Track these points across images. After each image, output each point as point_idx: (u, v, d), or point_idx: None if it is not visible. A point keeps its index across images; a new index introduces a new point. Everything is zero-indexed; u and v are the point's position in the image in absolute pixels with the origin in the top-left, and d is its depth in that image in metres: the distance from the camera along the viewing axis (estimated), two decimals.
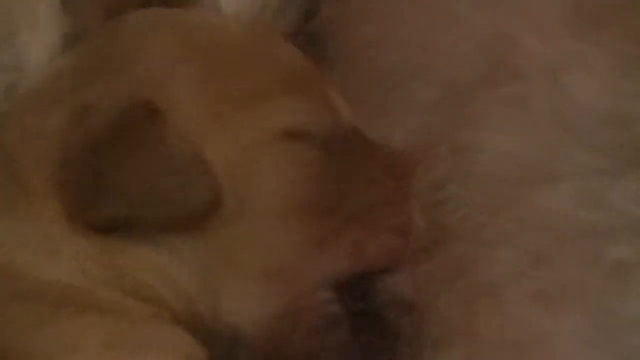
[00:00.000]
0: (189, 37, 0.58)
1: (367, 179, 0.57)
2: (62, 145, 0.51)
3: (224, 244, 0.52)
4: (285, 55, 0.59)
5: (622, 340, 0.50)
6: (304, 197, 0.54)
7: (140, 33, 0.58)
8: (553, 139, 0.55)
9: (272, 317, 0.52)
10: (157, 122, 0.51)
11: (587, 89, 0.55)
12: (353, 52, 0.66)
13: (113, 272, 0.51)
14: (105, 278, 0.51)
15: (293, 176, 0.54)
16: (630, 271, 0.50)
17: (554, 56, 0.57)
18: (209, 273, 0.52)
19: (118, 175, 0.50)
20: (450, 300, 0.53)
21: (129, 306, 0.51)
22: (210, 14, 0.64)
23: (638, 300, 0.50)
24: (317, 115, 0.56)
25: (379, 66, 0.63)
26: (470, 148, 0.56)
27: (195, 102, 0.53)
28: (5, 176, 0.54)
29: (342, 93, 0.60)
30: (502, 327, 0.51)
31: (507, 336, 0.51)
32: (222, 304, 0.52)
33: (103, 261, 0.51)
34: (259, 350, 0.52)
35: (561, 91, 0.56)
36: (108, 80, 0.54)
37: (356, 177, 0.57)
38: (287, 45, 0.61)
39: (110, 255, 0.51)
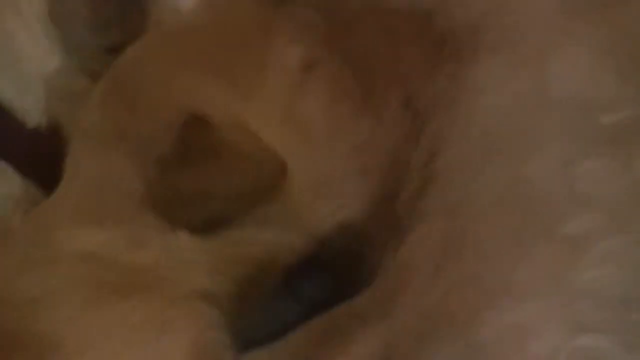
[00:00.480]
0: (190, 45, 0.63)
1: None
2: (143, 180, 0.58)
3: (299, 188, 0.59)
4: (257, 13, 0.64)
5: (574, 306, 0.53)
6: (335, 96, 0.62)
7: (149, 62, 0.63)
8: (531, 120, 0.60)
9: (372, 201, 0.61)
10: (208, 128, 0.56)
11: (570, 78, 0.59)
12: None
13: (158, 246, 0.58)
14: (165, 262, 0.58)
15: (325, 96, 0.61)
16: (581, 245, 0.55)
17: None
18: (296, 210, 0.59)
19: (197, 184, 0.55)
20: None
21: (178, 282, 0.58)
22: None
23: (589, 271, 0.54)
24: (310, 40, 0.62)
25: None
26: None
27: (225, 96, 0.59)
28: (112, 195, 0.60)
29: None
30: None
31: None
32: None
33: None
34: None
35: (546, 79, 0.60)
36: (148, 111, 0.60)
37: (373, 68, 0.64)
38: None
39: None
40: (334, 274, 0.66)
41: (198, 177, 0.55)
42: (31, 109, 0.68)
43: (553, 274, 0.55)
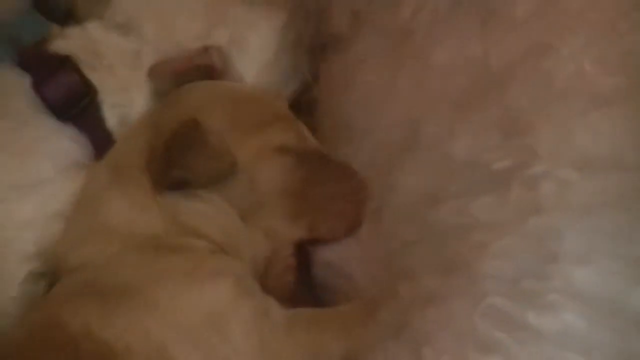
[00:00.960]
0: (222, 91, 0.94)
1: (322, 182, 0.89)
2: (148, 148, 0.85)
3: (243, 206, 0.85)
4: (278, 105, 0.93)
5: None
6: (285, 186, 0.86)
7: (193, 89, 0.92)
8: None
9: (265, 255, 0.85)
10: (199, 128, 0.83)
11: None
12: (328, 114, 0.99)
13: (180, 225, 0.83)
14: (176, 229, 0.83)
15: (280, 173, 0.87)
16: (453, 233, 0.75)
17: None
18: (235, 223, 0.84)
19: (180, 157, 0.82)
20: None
21: (195, 246, 0.82)
22: (236, 83, 0.99)
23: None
24: (296, 138, 0.90)
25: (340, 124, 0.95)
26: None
27: (224, 123, 0.86)
28: (115, 170, 0.86)
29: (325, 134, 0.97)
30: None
31: None
32: (243, 244, 0.85)
33: (173, 218, 0.83)
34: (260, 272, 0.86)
35: None
36: (171, 111, 0.89)
37: (316, 180, 0.89)
38: (281, 100, 0.96)
39: (176, 214, 0.82)
40: None
41: (185, 152, 0.83)
42: None
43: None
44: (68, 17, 0.97)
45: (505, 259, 0.72)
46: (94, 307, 0.76)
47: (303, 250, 0.89)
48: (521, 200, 0.73)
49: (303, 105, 1.01)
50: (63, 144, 0.90)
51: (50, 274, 0.86)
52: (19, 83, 0.91)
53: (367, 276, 0.86)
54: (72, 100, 0.91)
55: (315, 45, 1.03)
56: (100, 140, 0.91)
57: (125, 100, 0.93)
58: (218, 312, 0.77)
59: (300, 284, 0.90)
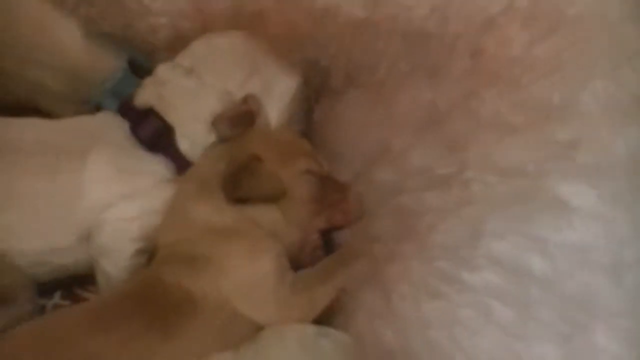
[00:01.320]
0: (270, 135, 1.25)
1: (332, 192, 1.23)
2: (224, 174, 1.14)
3: (284, 208, 1.17)
4: (302, 141, 1.27)
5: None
6: (311, 196, 1.20)
7: (252, 133, 1.22)
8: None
9: (297, 240, 1.18)
10: (259, 160, 1.15)
11: None
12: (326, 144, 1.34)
13: (244, 219, 1.14)
14: (241, 222, 1.14)
15: (307, 188, 1.20)
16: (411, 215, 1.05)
17: None
18: (279, 219, 1.17)
19: (246, 181, 1.14)
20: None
21: (253, 232, 1.14)
22: (278, 128, 1.30)
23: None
24: (316, 165, 1.22)
25: (332, 147, 1.32)
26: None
27: (273, 157, 1.17)
28: (200, 184, 1.18)
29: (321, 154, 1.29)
30: None
31: None
32: (283, 233, 1.16)
33: (239, 215, 1.14)
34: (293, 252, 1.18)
35: None
36: (239, 148, 1.19)
37: (329, 190, 1.22)
38: (301, 138, 1.29)
39: (242, 212, 1.14)
40: None
41: (249, 178, 1.15)
42: None
43: None
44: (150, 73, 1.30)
45: (448, 234, 1.01)
46: (183, 269, 1.09)
47: (324, 235, 1.22)
48: (458, 195, 1.02)
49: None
50: (155, 166, 1.22)
51: (150, 251, 1.18)
52: (122, 126, 1.23)
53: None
54: (156, 137, 1.22)
55: (313, 95, 1.37)
56: (178, 162, 1.22)
57: (190, 131, 1.23)
58: (261, 276, 1.10)
59: (325, 255, 1.21)
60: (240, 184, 1.14)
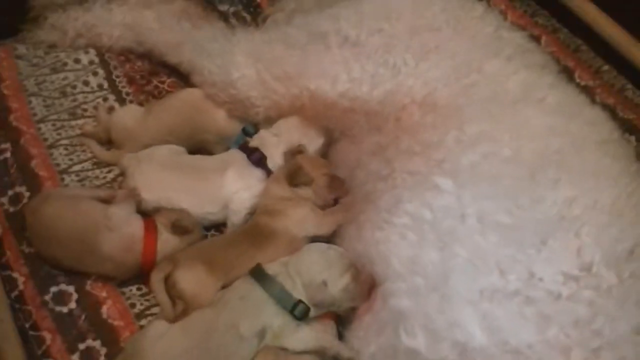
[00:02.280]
0: (307, 156, 2.14)
1: (337, 183, 2.03)
2: (286, 172, 2.03)
3: (314, 191, 2.02)
4: (324, 160, 2.13)
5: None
6: (327, 184, 2.02)
7: (299, 156, 2.12)
8: None
9: (320, 204, 2.02)
10: (301, 166, 2.01)
11: None
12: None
13: (295, 193, 2.00)
14: (294, 195, 2.00)
15: (324, 181, 2.04)
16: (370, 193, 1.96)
17: None
18: (311, 195, 2.03)
19: (295, 175, 2.00)
20: None
21: (301, 198, 1.99)
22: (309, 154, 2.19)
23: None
24: (328, 170, 2.05)
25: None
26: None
27: (309, 166, 2.03)
28: (277, 179, 2.05)
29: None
30: None
31: None
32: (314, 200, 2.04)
33: (293, 192, 2.00)
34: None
35: None
36: (291, 164, 2.05)
37: (335, 182, 2.02)
38: (323, 159, 2.15)
39: (294, 191, 2.00)
40: None
41: (293, 175, 2.00)
42: None
43: None
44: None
45: (386, 201, 1.82)
46: (268, 217, 1.96)
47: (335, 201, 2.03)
48: (390, 184, 1.85)
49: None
50: (258, 174, 2.09)
51: (253, 213, 2.06)
52: (244, 157, 2.11)
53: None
54: (260, 161, 2.10)
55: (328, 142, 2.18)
56: (268, 172, 2.10)
57: (273, 158, 2.11)
58: (306, 214, 1.97)
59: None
60: (293, 176, 1.99)
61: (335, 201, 2.04)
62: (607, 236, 1.57)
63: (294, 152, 2.09)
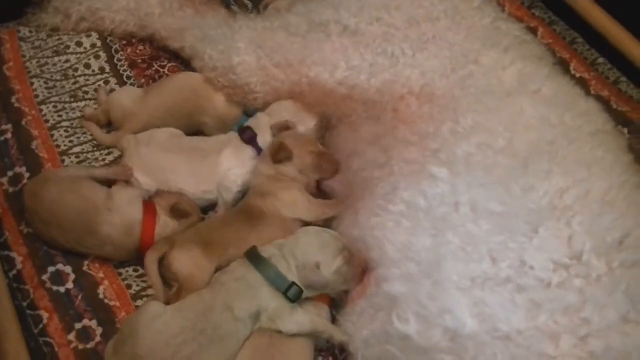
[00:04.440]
0: (294, 133, 2.13)
1: (326, 161, 2.01)
2: (270, 150, 2.04)
3: (299, 169, 2.01)
4: (312, 139, 2.10)
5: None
6: (314, 163, 2.02)
7: (285, 134, 2.11)
8: None
9: (305, 184, 2.02)
10: (283, 144, 1.99)
11: None
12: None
13: (280, 172, 2.00)
14: (279, 173, 1.99)
15: (312, 159, 2.02)
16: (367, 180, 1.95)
17: None
18: (297, 174, 2.01)
19: (277, 152, 1.99)
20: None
21: (287, 177, 1.98)
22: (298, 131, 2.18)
23: None
24: (315, 148, 2.03)
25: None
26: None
27: (294, 144, 2.02)
28: (264, 158, 2.05)
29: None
30: None
31: None
32: (299, 180, 2.04)
33: (277, 170, 2.01)
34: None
35: None
36: (276, 141, 2.05)
37: (323, 160, 2.01)
38: (313, 138, 2.12)
39: (278, 169, 2.00)
40: None
41: (276, 153, 1.99)
42: None
43: None
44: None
45: (382, 189, 1.83)
46: (258, 198, 1.97)
47: (319, 183, 2.04)
48: (387, 172, 1.85)
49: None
50: (249, 151, 2.09)
51: (245, 192, 2.06)
52: (238, 140, 2.12)
53: (341, 187, 2.04)
54: (251, 139, 2.10)
55: (325, 126, 2.17)
56: (258, 150, 2.09)
57: (264, 136, 2.10)
58: (296, 198, 1.96)
59: (320, 193, 2.04)
60: (275, 153, 1.97)
61: (318, 183, 2.08)
62: (598, 226, 1.58)
63: (281, 127, 2.10)
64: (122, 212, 1.93)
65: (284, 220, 1.95)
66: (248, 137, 2.13)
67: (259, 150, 2.11)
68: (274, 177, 2.01)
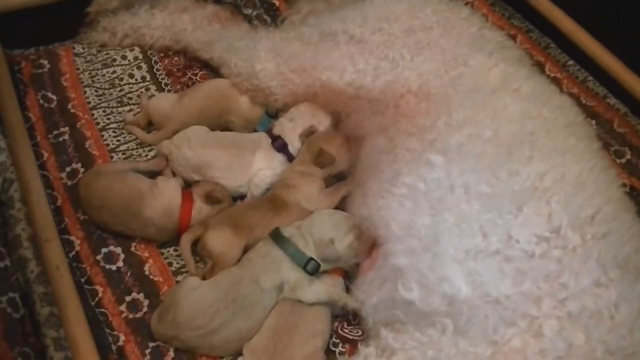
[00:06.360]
0: (325, 134, 2.09)
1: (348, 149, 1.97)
2: (309, 156, 1.96)
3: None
4: (337, 135, 2.07)
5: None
6: (345, 158, 2.00)
7: (318, 136, 2.07)
8: None
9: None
10: (324, 150, 1.94)
11: None
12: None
13: (313, 169, 1.96)
14: (312, 171, 1.95)
15: (344, 153, 2.01)
16: (376, 166, 1.90)
17: None
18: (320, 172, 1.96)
19: (323, 158, 1.93)
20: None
21: (315, 174, 1.94)
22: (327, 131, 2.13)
23: None
24: (342, 141, 2.01)
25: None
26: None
27: (328, 146, 1.96)
28: (300, 162, 1.99)
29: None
30: None
31: None
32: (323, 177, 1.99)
33: (310, 168, 1.95)
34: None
35: None
36: (312, 145, 1.99)
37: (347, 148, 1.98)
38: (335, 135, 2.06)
39: (312, 167, 1.95)
40: None
41: (321, 159, 1.93)
42: None
43: None
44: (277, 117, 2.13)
45: (387, 173, 1.79)
46: (284, 189, 1.93)
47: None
48: (391, 159, 1.81)
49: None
50: (279, 158, 2.04)
51: (270, 189, 2.00)
52: (268, 141, 2.06)
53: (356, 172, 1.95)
54: (282, 147, 2.05)
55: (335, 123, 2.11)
56: (289, 157, 2.04)
57: (293, 144, 2.05)
58: (315, 191, 1.92)
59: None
60: (319, 160, 1.93)
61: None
62: (573, 204, 1.57)
63: (308, 134, 2.06)
64: (164, 199, 1.91)
65: (302, 210, 1.92)
66: (279, 145, 2.09)
67: (290, 157, 2.09)
68: (306, 173, 1.98)
